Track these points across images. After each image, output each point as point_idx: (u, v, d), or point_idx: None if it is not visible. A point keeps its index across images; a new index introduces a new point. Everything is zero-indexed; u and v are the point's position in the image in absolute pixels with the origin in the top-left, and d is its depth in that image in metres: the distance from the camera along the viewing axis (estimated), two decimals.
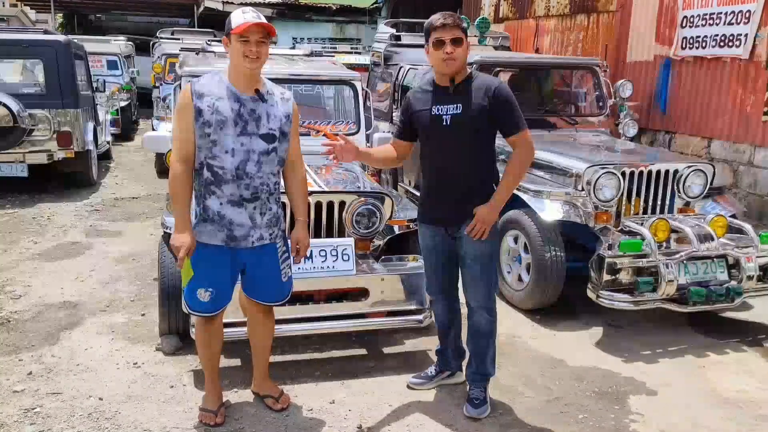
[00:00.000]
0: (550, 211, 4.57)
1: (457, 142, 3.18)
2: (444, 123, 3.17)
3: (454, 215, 3.27)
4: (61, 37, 8.22)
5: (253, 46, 2.84)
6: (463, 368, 3.65)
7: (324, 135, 4.83)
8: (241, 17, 2.84)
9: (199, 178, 2.97)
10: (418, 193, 6.61)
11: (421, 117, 3.25)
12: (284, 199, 3.31)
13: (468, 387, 3.47)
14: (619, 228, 4.57)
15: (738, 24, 7.05)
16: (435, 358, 3.91)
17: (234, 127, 2.89)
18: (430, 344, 4.16)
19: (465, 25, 3.18)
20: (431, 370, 3.69)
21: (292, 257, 3.20)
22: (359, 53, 11.93)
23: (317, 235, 3.88)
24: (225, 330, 3.33)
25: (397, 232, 4.18)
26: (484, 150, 3.22)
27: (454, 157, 3.20)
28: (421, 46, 8.40)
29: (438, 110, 3.19)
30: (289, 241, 3.19)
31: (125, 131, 12.71)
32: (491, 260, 3.30)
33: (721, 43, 7.28)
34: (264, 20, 2.90)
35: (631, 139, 6.32)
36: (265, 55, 2.91)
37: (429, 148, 3.32)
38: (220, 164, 2.90)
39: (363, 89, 5.20)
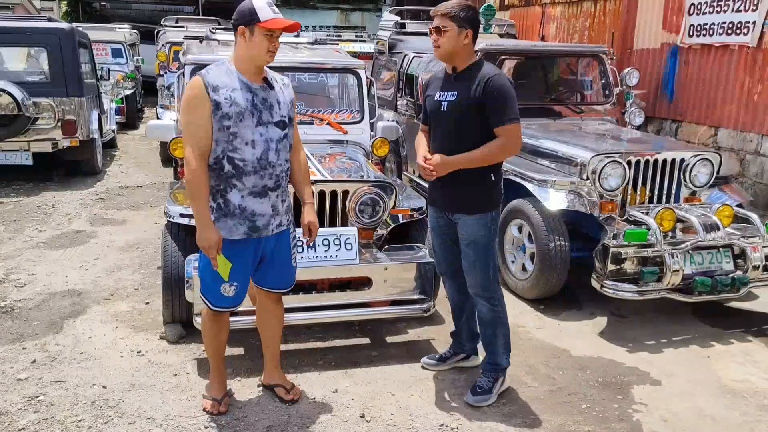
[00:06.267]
0: (555, 200, 4.54)
1: (450, 128, 3.24)
2: (442, 109, 3.26)
3: (447, 200, 3.34)
4: (65, 25, 8.20)
5: (276, 41, 2.86)
6: (479, 351, 3.67)
7: (328, 124, 4.85)
8: (268, 11, 2.81)
9: (217, 173, 2.90)
10: (422, 182, 6.63)
11: (428, 101, 3.40)
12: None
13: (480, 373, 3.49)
14: (624, 217, 4.54)
15: (746, 11, 6.98)
16: (438, 348, 3.92)
17: (251, 117, 2.87)
18: (433, 333, 4.16)
19: (463, 14, 3.13)
20: (446, 351, 3.73)
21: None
22: (364, 41, 11.87)
23: (321, 224, 3.87)
24: (231, 319, 3.33)
25: (400, 221, 4.17)
26: (478, 138, 3.17)
27: (448, 143, 3.24)
28: (426, 33, 8.37)
29: (439, 96, 3.28)
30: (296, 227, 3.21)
31: (130, 120, 12.68)
32: (486, 248, 3.27)
33: (729, 31, 7.21)
34: None
35: (638, 128, 6.27)
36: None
37: (432, 133, 3.39)
38: (241, 156, 2.87)
39: (367, 77, 5.17)
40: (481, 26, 7.53)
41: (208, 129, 2.83)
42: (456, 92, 3.20)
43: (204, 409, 3.20)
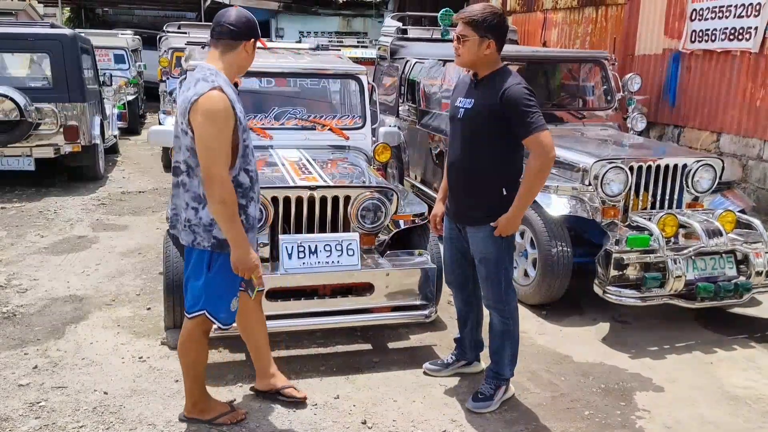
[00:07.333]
0: (557, 205, 4.54)
1: (465, 137, 3.20)
2: (459, 116, 3.21)
3: (460, 213, 3.32)
4: (67, 31, 8.22)
5: None
6: (481, 359, 3.67)
7: (330, 129, 4.85)
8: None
9: (236, 188, 2.76)
10: (424, 188, 6.63)
11: (450, 107, 3.36)
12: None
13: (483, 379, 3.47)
14: (626, 223, 4.54)
15: (748, 17, 6.98)
16: (440, 353, 3.91)
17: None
18: (435, 339, 4.15)
19: (486, 23, 3.02)
20: (449, 357, 3.73)
21: None
22: (366, 47, 11.89)
23: (322, 229, 3.87)
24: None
25: (402, 226, 4.16)
26: (492, 149, 3.13)
27: (462, 152, 3.22)
28: (427, 39, 8.37)
29: (459, 102, 3.23)
30: None
31: (132, 125, 12.71)
32: (499, 263, 3.23)
33: (731, 37, 7.21)
34: None
35: (640, 134, 6.27)
36: None
37: (449, 140, 3.36)
38: (252, 168, 2.86)
39: (369, 83, 5.17)
40: None
41: (231, 143, 2.73)
42: (473, 100, 3.14)
43: (231, 424, 3.10)
